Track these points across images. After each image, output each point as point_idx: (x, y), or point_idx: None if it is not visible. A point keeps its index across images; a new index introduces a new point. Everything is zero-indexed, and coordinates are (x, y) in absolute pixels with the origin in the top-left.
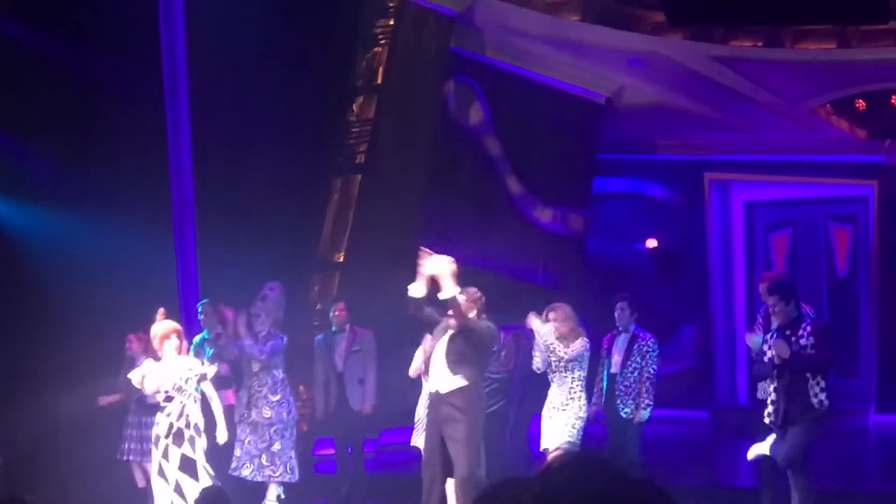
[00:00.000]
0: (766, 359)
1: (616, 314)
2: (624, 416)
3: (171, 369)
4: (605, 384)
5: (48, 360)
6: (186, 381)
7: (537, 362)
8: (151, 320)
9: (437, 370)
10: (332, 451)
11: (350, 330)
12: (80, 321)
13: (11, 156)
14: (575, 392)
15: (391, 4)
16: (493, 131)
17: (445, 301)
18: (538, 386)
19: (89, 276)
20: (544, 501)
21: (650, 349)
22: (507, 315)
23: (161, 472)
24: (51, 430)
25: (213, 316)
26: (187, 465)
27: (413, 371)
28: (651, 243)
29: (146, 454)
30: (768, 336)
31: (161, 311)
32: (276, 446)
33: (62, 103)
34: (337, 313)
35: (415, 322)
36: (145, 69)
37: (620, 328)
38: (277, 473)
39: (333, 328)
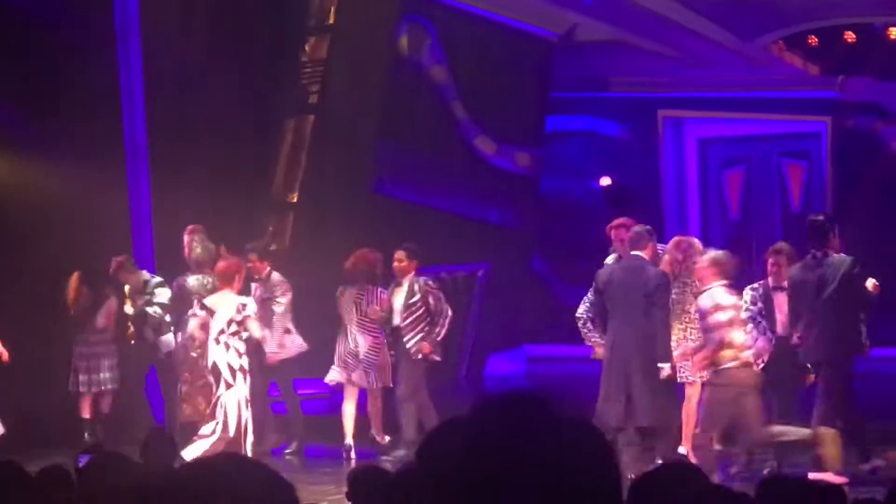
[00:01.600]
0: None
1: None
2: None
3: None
4: None
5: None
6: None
7: None
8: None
9: None
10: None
11: (267, 276)
12: (35, 264)
13: None
14: None
15: None
16: (446, 71)
17: None
18: (491, 325)
19: (43, 218)
20: (477, 443)
21: None
22: (460, 254)
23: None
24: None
25: None
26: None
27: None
28: (605, 181)
29: (94, 384)
30: None
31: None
32: None
33: (14, 47)
34: (250, 265)
35: None
36: (97, 11)
37: None
38: None
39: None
